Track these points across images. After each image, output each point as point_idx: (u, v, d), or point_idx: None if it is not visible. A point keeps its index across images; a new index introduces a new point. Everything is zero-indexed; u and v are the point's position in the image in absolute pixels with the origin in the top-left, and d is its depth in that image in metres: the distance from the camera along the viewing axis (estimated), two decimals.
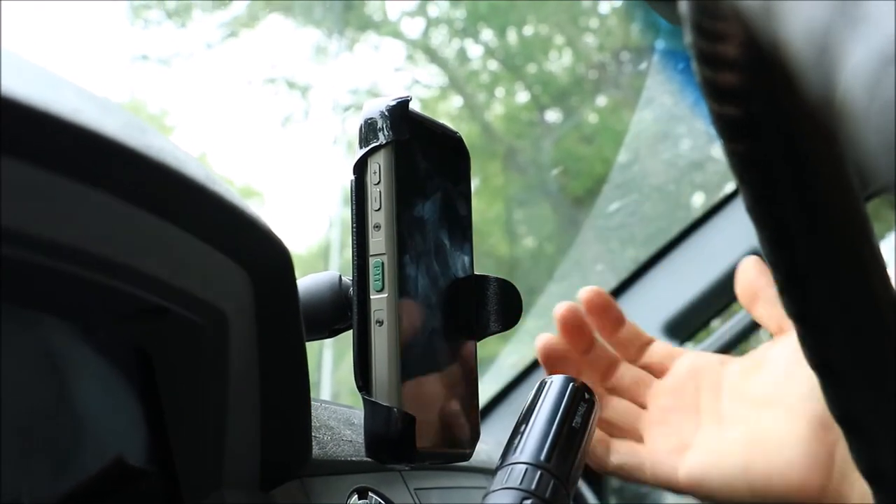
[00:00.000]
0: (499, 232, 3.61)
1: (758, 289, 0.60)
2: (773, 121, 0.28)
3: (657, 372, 0.63)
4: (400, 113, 0.50)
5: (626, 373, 0.63)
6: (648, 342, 0.65)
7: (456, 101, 4.08)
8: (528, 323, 1.73)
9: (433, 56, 4.08)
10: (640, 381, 0.63)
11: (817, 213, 0.30)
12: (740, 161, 0.29)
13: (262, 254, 0.44)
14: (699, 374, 0.61)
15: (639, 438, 0.61)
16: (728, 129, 0.29)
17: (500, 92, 4.16)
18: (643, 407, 0.62)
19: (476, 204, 0.56)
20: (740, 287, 0.61)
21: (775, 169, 0.29)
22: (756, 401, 0.56)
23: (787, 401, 0.54)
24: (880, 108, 0.19)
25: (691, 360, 0.62)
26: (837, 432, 0.52)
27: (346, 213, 0.51)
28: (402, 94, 0.51)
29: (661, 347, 0.65)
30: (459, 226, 0.55)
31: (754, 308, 0.60)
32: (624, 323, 0.65)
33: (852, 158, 0.25)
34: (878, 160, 0.20)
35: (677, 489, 0.57)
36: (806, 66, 0.22)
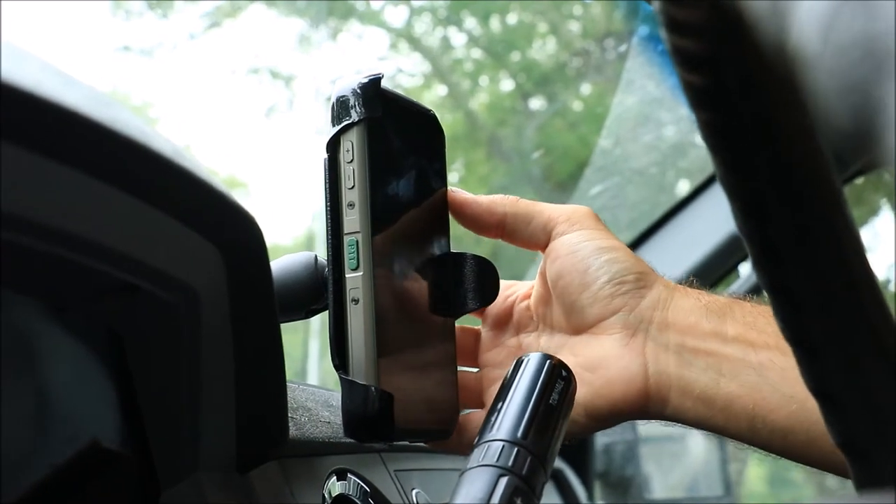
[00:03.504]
0: None
1: None
2: (742, 89, 0.28)
3: None
4: (372, 90, 0.49)
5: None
6: None
7: (440, 89, 4.08)
8: None
9: (416, 45, 4.07)
10: None
11: (790, 183, 0.29)
12: (711, 131, 0.29)
13: (234, 230, 0.43)
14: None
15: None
16: (697, 98, 0.29)
17: (483, 80, 4.16)
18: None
19: None
20: None
21: (746, 138, 0.29)
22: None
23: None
24: (833, 52, 0.19)
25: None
26: (644, 335, 0.53)
27: None
28: (374, 70, 0.50)
29: None
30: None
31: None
32: None
33: (826, 129, 0.25)
34: (832, 104, 0.20)
35: None
36: (761, 14, 0.22)
